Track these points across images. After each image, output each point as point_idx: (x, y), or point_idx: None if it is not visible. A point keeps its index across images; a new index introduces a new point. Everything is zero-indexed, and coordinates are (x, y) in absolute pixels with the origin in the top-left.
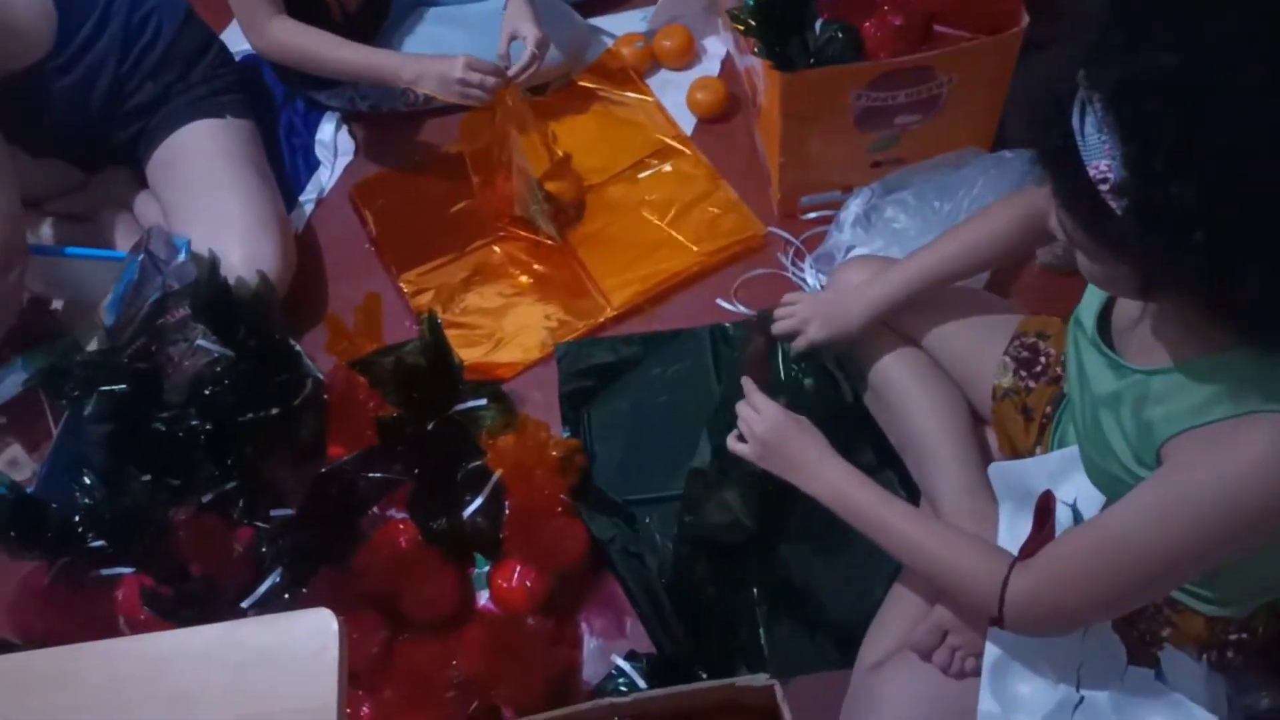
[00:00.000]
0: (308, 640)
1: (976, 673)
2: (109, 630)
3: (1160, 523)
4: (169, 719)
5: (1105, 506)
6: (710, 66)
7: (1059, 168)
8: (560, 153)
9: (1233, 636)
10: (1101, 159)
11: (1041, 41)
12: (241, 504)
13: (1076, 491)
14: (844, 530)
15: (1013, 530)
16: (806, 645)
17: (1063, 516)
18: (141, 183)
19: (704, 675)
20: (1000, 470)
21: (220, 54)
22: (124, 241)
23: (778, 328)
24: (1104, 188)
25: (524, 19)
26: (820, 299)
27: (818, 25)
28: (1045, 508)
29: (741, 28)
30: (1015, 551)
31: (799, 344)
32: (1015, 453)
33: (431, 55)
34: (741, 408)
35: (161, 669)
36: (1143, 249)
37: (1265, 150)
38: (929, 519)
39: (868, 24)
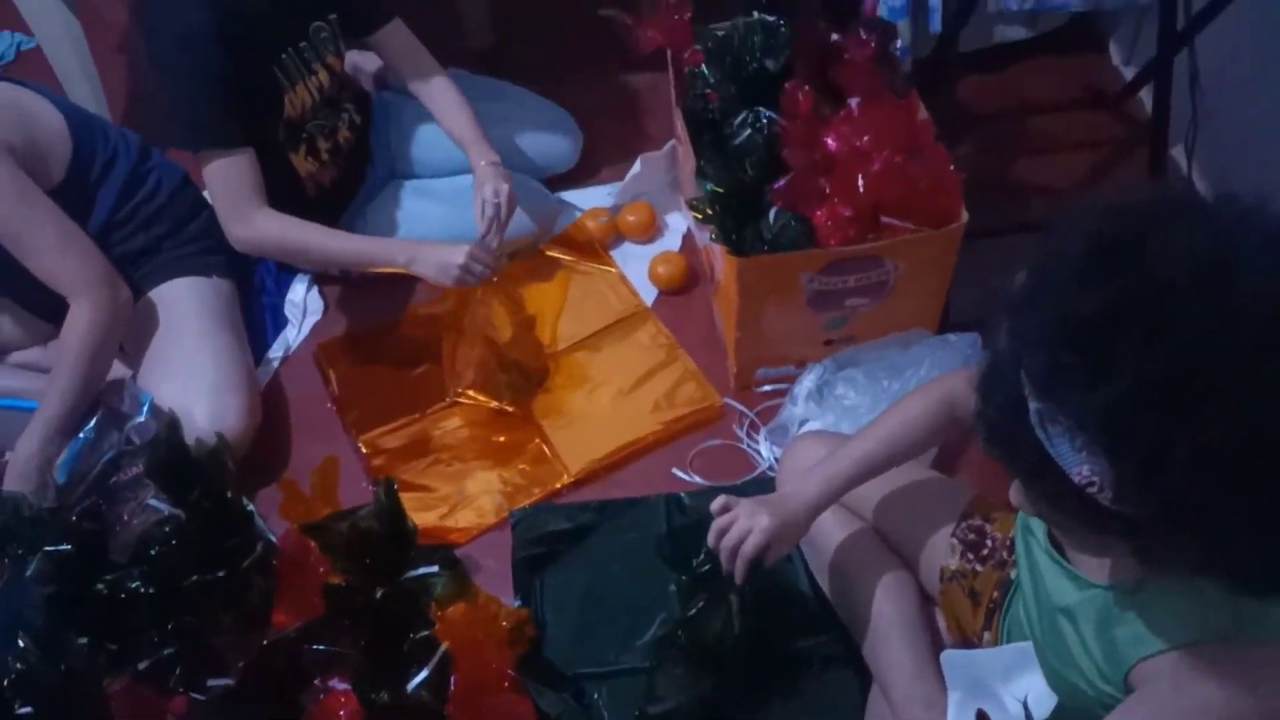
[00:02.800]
0: None
1: None
2: None
3: None
4: None
5: (1058, 707)
6: (672, 241)
7: (1038, 477)
8: (525, 316)
9: None
10: (1083, 465)
11: (983, 231)
12: (177, 672)
13: (1029, 689)
14: (802, 698)
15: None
16: None
17: (1014, 710)
18: None
19: None
20: (952, 659)
21: (210, 217)
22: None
23: (730, 537)
24: (1094, 490)
25: (493, 178)
26: (759, 500)
27: (772, 213)
28: None
29: (699, 215)
30: None
31: (755, 540)
32: (962, 634)
33: (428, 241)
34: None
35: None
36: (1140, 535)
37: (1269, 435)
38: None
39: (819, 213)
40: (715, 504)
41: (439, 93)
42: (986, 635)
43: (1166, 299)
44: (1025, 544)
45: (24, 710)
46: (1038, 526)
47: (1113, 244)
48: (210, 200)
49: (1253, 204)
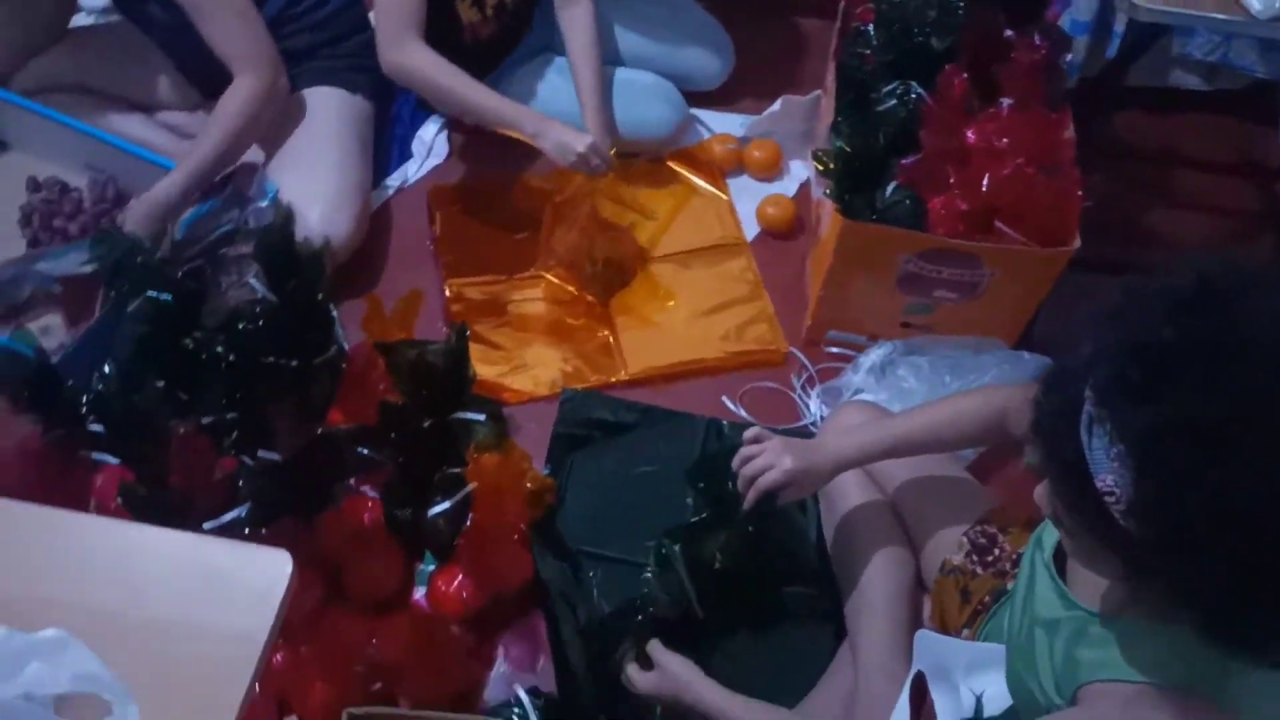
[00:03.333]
0: (262, 573)
1: None
2: (77, 508)
3: None
4: (120, 600)
5: (1009, 710)
6: (788, 186)
7: (1066, 475)
8: (629, 222)
9: None
10: (1109, 474)
11: (1089, 263)
12: (234, 435)
13: (988, 687)
14: (776, 638)
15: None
16: None
17: (966, 701)
18: None
19: None
20: (927, 638)
21: (370, 37)
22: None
23: (752, 466)
24: (1110, 500)
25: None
26: (790, 441)
27: (890, 187)
28: (920, 688)
29: (821, 167)
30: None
31: (773, 476)
32: (944, 627)
33: (558, 120)
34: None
35: (128, 555)
36: (1136, 553)
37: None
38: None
39: (936, 200)
40: (749, 433)
41: (576, 32)
42: (965, 633)
43: (1238, 352)
44: (1031, 557)
45: (95, 428)
46: (1048, 542)
47: (1212, 288)
48: (373, 21)
49: None
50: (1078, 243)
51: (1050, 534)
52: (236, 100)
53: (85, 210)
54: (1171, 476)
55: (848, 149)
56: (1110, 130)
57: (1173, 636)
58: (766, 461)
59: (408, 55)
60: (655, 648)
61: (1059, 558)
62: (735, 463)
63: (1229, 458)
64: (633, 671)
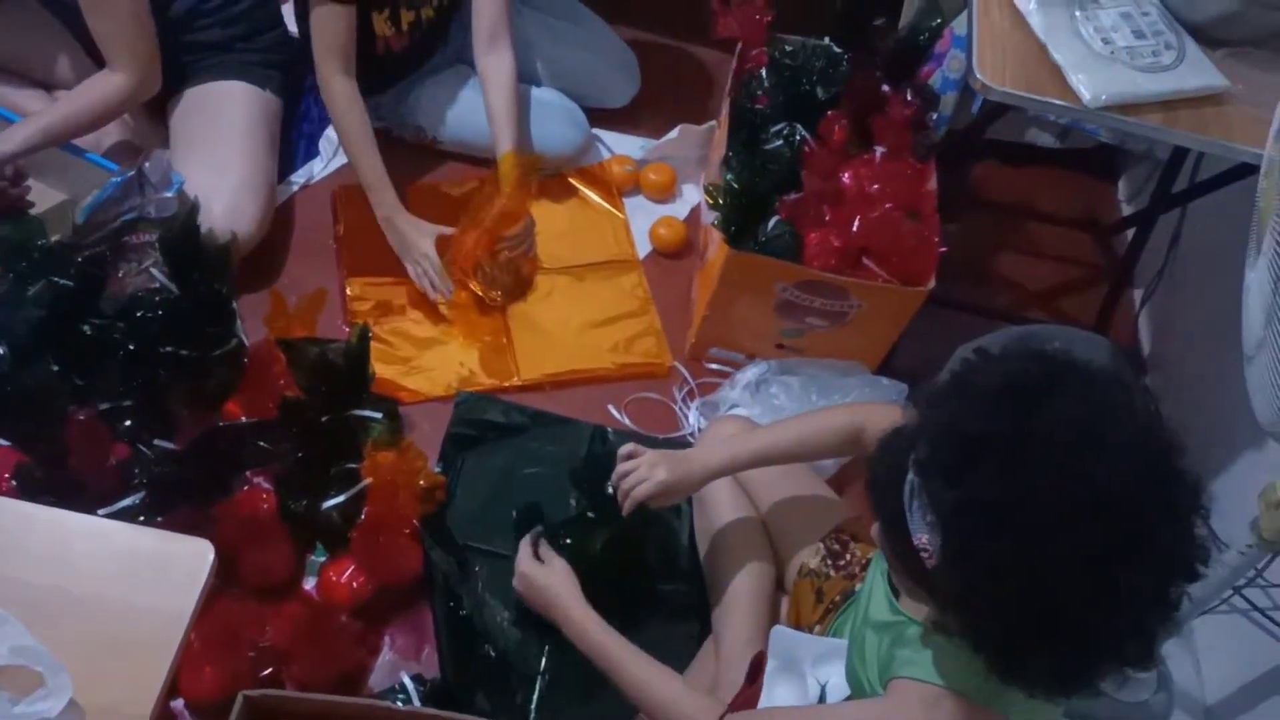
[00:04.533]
0: (186, 561)
1: None
2: None
3: None
4: (42, 578)
5: (849, 698)
6: (680, 209)
7: (892, 526)
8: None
9: None
10: (924, 534)
11: (944, 300)
12: (129, 423)
13: (831, 677)
14: (646, 631)
15: (770, 683)
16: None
17: (812, 690)
18: (155, 115)
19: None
20: (780, 634)
21: (284, 34)
22: (114, 158)
23: (628, 480)
24: (925, 555)
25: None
26: (664, 454)
27: (773, 220)
28: (757, 665)
29: (710, 200)
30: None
31: (646, 488)
32: (798, 623)
33: (411, 217)
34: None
35: (53, 537)
36: (941, 597)
37: (1061, 577)
38: (657, 665)
39: (813, 235)
40: (624, 448)
41: (496, 80)
42: (817, 629)
43: (1028, 449)
44: (875, 567)
45: None
46: None
47: (1019, 388)
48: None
49: (1141, 396)
50: (933, 283)
51: None
52: (102, 89)
53: None
54: (964, 547)
55: (736, 185)
56: (970, 180)
57: (962, 648)
58: (641, 475)
59: (329, 82)
60: (545, 548)
61: None
62: (614, 476)
63: (1007, 537)
64: (523, 559)
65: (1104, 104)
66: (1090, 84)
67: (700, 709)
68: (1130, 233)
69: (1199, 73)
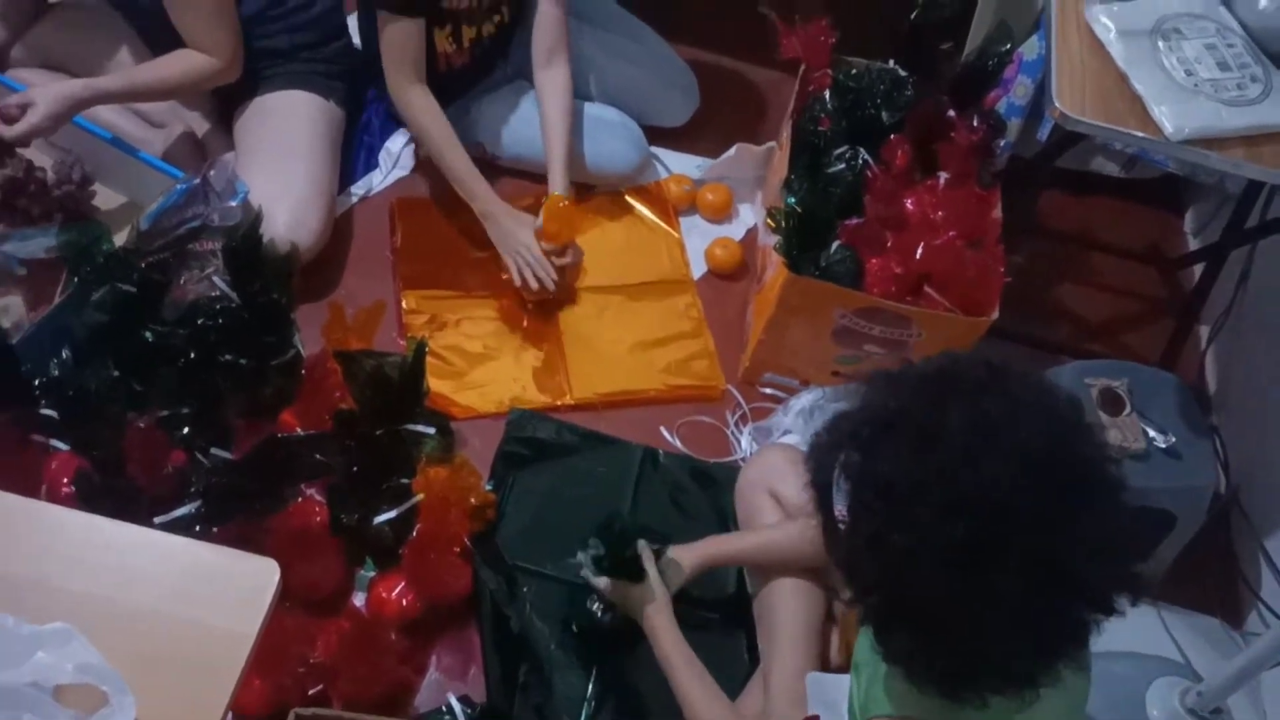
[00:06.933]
0: (251, 580)
1: None
2: (27, 491)
3: None
4: (104, 591)
5: None
6: (736, 230)
7: (822, 496)
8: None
9: None
10: (843, 505)
11: (1006, 332)
12: (186, 431)
13: None
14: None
15: None
16: None
17: None
18: (220, 122)
19: None
20: (816, 679)
21: (348, 45)
22: (178, 163)
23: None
24: (842, 523)
25: (527, 234)
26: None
27: (834, 245)
28: None
29: (773, 224)
30: None
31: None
32: (848, 654)
33: (512, 209)
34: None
35: (116, 550)
36: (851, 587)
37: (927, 560)
38: (713, 688)
39: (874, 261)
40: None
41: (553, 95)
42: None
43: (932, 438)
44: None
45: (48, 412)
46: None
47: (942, 380)
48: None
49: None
50: (996, 313)
51: None
52: (192, 60)
53: (49, 190)
54: (856, 512)
55: (799, 209)
56: (1035, 209)
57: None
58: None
59: (405, 93)
60: (647, 558)
61: None
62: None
63: (891, 512)
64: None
65: (1186, 137)
66: (1173, 116)
67: None
68: (1197, 268)
69: None
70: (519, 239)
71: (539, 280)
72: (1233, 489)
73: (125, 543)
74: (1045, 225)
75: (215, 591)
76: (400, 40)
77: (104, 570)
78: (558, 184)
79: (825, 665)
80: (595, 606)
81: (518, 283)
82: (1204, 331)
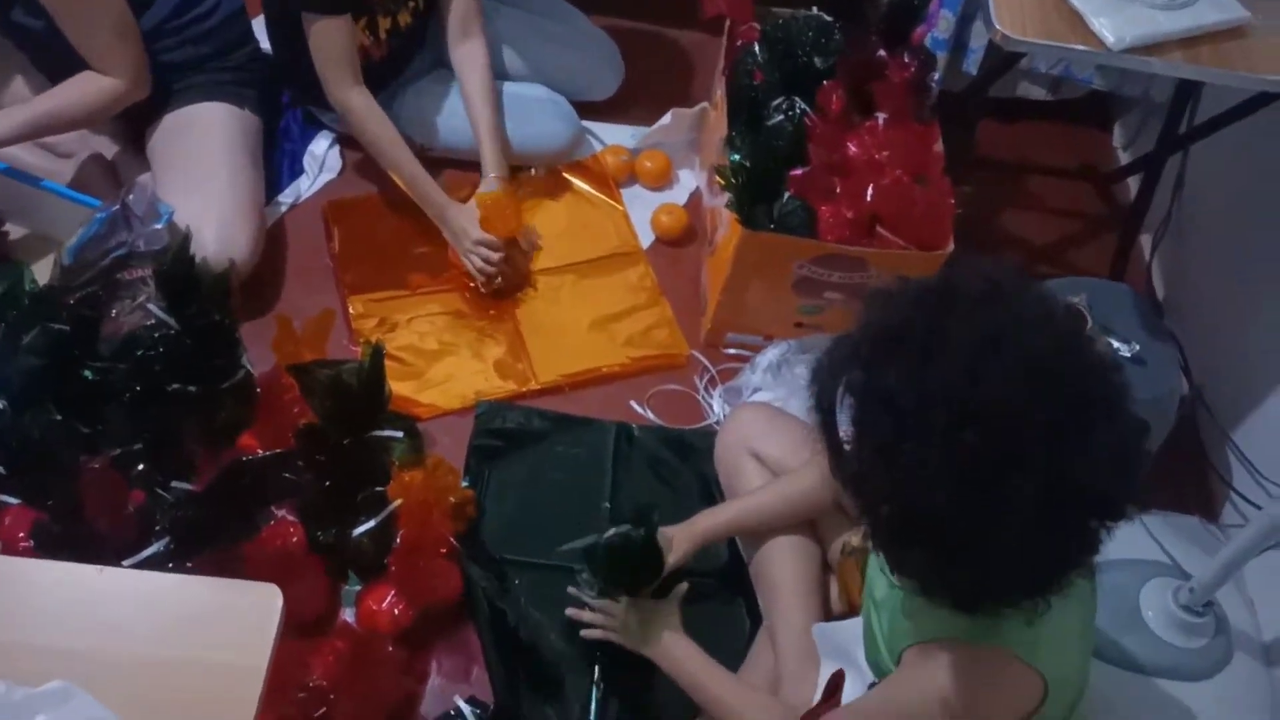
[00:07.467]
0: (251, 610)
1: None
2: None
3: (891, 712)
4: (99, 642)
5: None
6: (679, 195)
7: (826, 420)
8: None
9: None
10: (848, 426)
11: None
12: (143, 467)
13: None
14: (692, 629)
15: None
16: None
17: (868, 677)
18: (131, 144)
19: None
20: (821, 630)
21: (255, 51)
22: (92, 191)
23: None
24: (847, 444)
25: (474, 226)
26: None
27: (784, 197)
28: (836, 684)
29: (723, 182)
30: None
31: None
32: (850, 604)
33: (466, 210)
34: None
35: (99, 597)
36: (858, 504)
37: (934, 472)
38: (734, 680)
39: (824, 208)
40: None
41: (471, 69)
42: None
43: (936, 349)
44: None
45: None
46: None
47: (951, 290)
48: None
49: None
50: (952, 246)
51: None
52: (95, 85)
53: None
54: (861, 426)
55: (746, 164)
56: (972, 139)
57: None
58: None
59: (346, 97)
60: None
61: None
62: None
63: (897, 425)
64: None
65: (1128, 45)
66: (1113, 27)
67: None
68: (1132, 180)
69: (1217, 6)
70: (473, 237)
71: (501, 276)
72: (1196, 389)
73: (105, 589)
74: (981, 155)
75: (214, 627)
76: (331, 40)
77: (89, 620)
78: (490, 163)
79: (828, 616)
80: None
81: (479, 281)
82: (1147, 241)
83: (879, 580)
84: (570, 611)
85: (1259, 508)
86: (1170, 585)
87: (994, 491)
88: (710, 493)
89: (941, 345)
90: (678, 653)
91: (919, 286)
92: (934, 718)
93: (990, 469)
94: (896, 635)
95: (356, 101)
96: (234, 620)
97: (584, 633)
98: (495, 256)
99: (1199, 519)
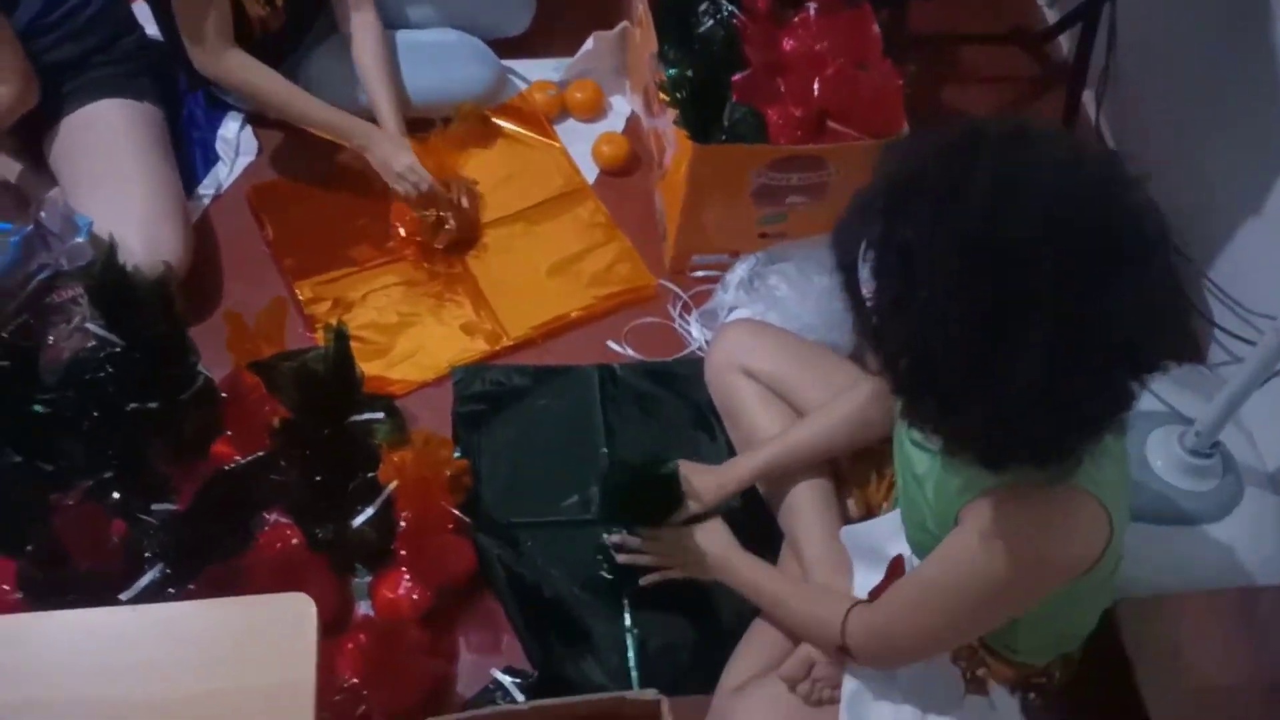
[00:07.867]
0: (285, 622)
1: (833, 703)
2: None
3: (953, 572)
4: (133, 690)
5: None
6: (615, 123)
7: (848, 278)
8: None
9: (1035, 680)
10: (871, 281)
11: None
12: (118, 495)
13: (905, 548)
14: None
15: (864, 583)
16: (673, 669)
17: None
18: (30, 157)
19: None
20: (850, 532)
21: (142, 37)
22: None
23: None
24: (869, 300)
25: (399, 155)
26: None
27: (729, 106)
28: (897, 567)
29: (666, 98)
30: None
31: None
32: (868, 507)
33: (390, 137)
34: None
35: (124, 642)
36: (879, 359)
37: (950, 317)
38: (788, 579)
39: (772, 111)
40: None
41: (362, 40)
42: (884, 506)
43: (953, 196)
44: (898, 429)
45: None
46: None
47: (977, 136)
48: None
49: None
50: (906, 128)
51: None
52: None
53: None
54: (880, 277)
55: (689, 73)
56: (905, 16)
57: None
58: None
59: (224, 65)
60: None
61: None
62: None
63: (912, 273)
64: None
65: None
66: None
67: (832, 612)
68: (1063, 39)
69: None
70: (402, 162)
71: (437, 205)
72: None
73: (122, 630)
74: (914, 32)
75: (250, 649)
76: (195, 5)
77: (115, 665)
78: (392, 134)
79: (847, 522)
80: (603, 571)
81: (426, 234)
82: (1090, 96)
83: (916, 456)
84: (623, 558)
85: (1249, 342)
86: (1174, 432)
87: (1009, 339)
88: (704, 418)
89: (961, 189)
90: (737, 562)
91: (942, 134)
92: (1000, 570)
93: (1004, 316)
94: (946, 500)
95: (230, 61)
96: (269, 638)
97: (644, 580)
98: (427, 179)
99: (1190, 364)
